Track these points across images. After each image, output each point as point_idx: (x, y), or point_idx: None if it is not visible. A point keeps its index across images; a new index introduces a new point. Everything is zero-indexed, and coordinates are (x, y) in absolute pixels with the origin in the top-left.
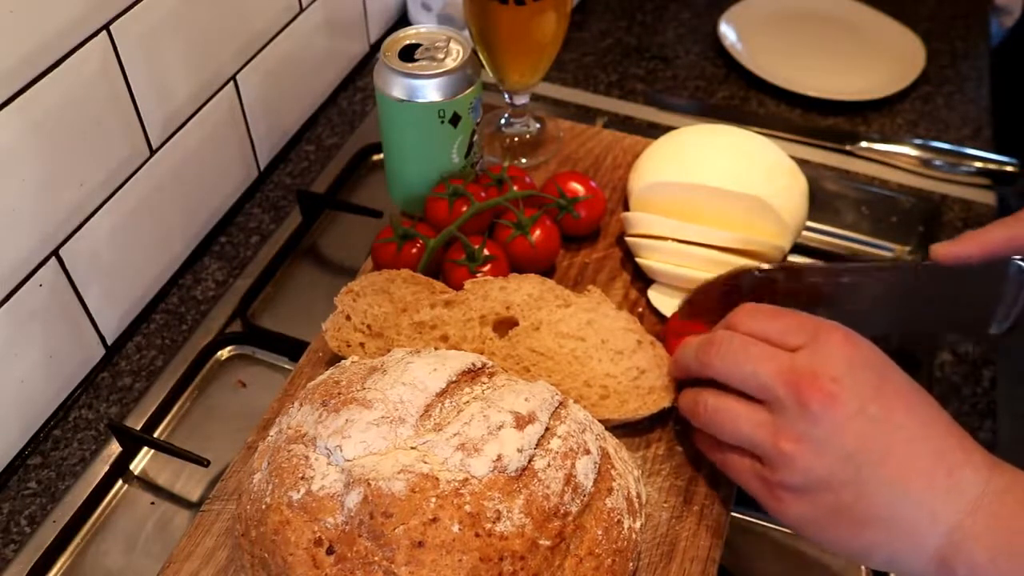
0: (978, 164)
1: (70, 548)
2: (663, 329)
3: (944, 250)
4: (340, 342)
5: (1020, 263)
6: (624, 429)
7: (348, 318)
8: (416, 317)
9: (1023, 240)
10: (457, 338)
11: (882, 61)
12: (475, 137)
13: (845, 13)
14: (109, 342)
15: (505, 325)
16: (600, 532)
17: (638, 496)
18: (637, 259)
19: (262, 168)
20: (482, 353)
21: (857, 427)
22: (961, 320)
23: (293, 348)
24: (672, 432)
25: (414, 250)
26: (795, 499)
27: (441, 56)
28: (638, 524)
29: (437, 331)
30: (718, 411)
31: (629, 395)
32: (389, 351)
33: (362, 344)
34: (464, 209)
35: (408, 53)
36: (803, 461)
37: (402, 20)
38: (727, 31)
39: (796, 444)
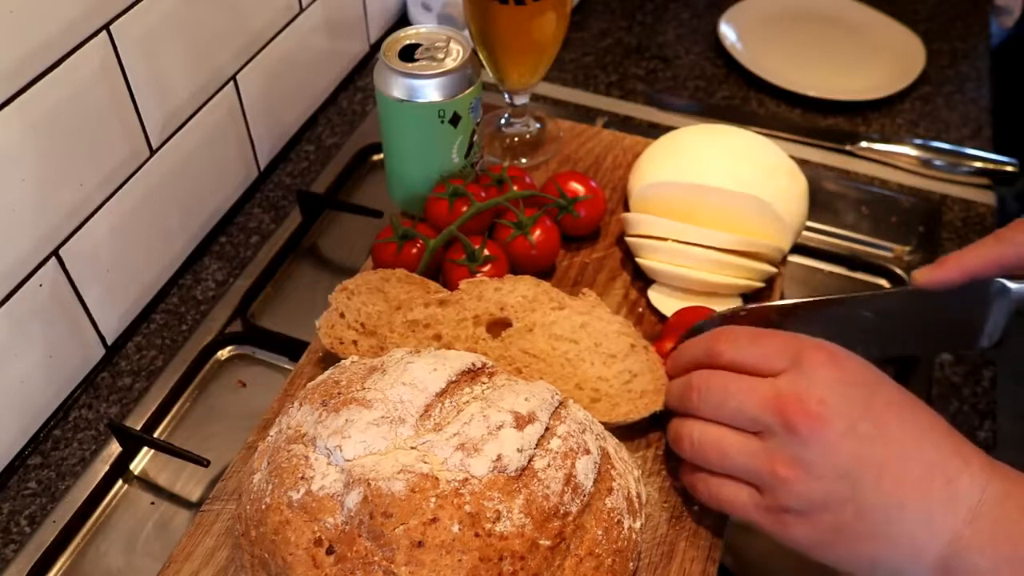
0: (978, 164)
1: (70, 548)
2: (663, 328)
3: (925, 276)
4: (333, 339)
5: (1002, 281)
6: (623, 430)
7: (342, 315)
8: (409, 315)
9: (1003, 260)
10: (450, 337)
11: (882, 61)
12: (475, 137)
13: (845, 13)
14: (109, 342)
15: (499, 326)
16: (600, 532)
17: (638, 496)
18: (637, 259)
19: (262, 168)
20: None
21: (849, 446)
22: (949, 339)
23: (293, 348)
24: None
25: (414, 250)
26: (797, 522)
27: (441, 56)
28: (638, 524)
29: (430, 330)
30: (704, 444)
31: (620, 398)
32: (382, 348)
33: (355, 342)
34: (464, 209)
35: (408, 53)
36: (800, 484)
37: (402, 20)
38: (727, 31)
39: (791, 468)
